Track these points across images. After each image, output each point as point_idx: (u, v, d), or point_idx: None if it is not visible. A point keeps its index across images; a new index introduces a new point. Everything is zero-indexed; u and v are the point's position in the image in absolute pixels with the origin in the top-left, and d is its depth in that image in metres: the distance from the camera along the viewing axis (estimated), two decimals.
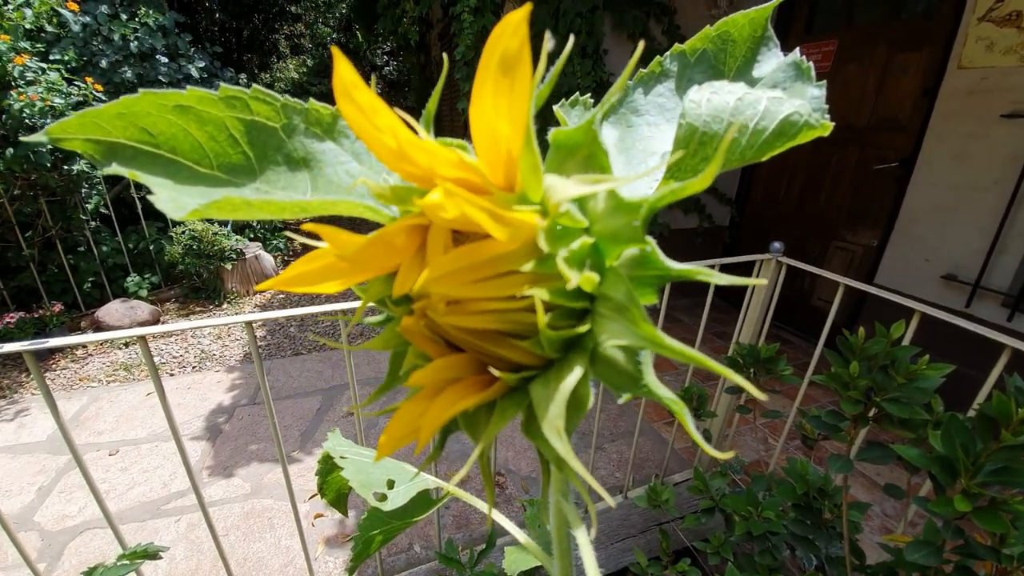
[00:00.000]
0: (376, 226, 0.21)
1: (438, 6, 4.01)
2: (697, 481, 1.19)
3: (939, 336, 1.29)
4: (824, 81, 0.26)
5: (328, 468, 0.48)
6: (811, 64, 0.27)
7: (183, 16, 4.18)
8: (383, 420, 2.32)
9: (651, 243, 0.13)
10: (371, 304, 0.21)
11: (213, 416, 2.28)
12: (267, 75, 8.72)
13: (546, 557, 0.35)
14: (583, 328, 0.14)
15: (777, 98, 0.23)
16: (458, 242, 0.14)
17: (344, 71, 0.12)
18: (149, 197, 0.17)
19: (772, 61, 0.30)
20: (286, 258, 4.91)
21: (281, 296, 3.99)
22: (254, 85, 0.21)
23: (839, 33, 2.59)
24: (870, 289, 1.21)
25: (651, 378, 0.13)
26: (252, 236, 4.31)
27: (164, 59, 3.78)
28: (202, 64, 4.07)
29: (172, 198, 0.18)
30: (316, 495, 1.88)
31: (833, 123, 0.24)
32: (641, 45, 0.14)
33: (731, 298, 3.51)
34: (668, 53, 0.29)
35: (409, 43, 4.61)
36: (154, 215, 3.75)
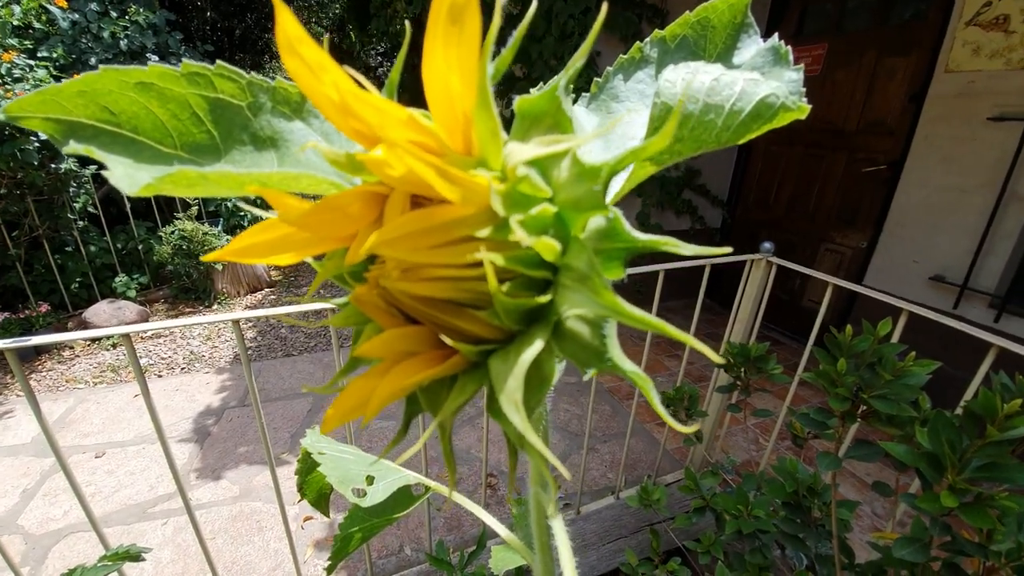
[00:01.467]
0: None
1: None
2: (688, 480, 1.19)
3: (926, 337, 1.30)
4: (801, 65, 0.25)
5: (308, 466, 0.47)
6: (789, 48, 0.26)
7: (174, 14, 4.15)
8: (374, 421, 2.31)
9: (615, 212, 0.13)
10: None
11: (201, 418, 2.25)
12: (259, 75, 8.71)
13: (529, 553, 0.34)
14: (543, 299, 0.13)
15: (754, 80, 0.23)
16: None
17: (287, 23, 0.11)
18: (104, 172, 0.17)
19: (752, 48, 0.30)
20: None
21: (272, 297, 3.96)
22: (219, 61, 0.20)
23: (829, 37, 2.61)
24: (859, 288, 1.22)
25: (616, 352, 0.13)
26: None
27: (155, 57, 3.75)
28: None
29: (127, 173, 0.17)
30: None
31: (811, 106, 0.24)
32: (605, 7, 0.14)
33: (722, 299, 3.53)
34: (648, 39, 0.29)
35: (401, 44, 4.60)
36: (143, 215, 3.71)
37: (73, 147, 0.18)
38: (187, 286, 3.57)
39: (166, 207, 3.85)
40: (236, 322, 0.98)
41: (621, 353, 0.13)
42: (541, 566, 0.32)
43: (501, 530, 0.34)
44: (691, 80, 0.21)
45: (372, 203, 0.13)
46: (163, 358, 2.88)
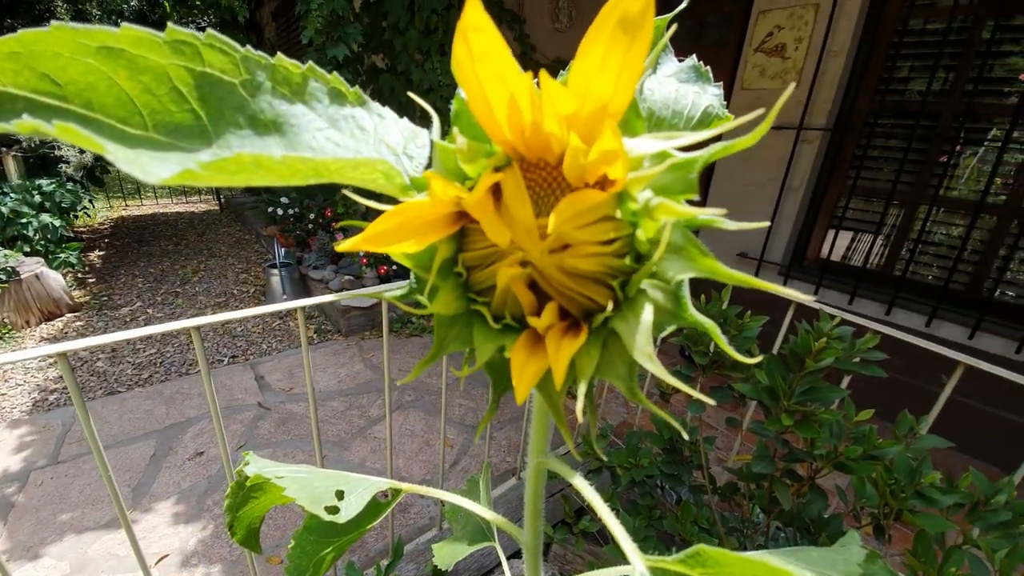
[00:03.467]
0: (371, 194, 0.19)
1: None
2: (586, 445, 1.31)
3: (740, 299, 1.62)
4: (721, 82, 0.31)
5: (241, 500, 0.41)
6: (708, 69, 0.32)
7: None
8: (267, 450, 2.03)
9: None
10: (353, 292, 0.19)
11: None
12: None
13: (514, 528, 0.36)
14: (653, 267, 0.15)
15: (698, 92, 0.28)
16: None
17: (470, 10, 0.11)
18: (107, 157, 0.14)
19: (670, 65, 0.35)
20: (79, 275, 3.92)
21: (79, 323, 3.18)
22: (209, 30, 0.18)
23: None
24: None
25: (692, 309, 0.15)
26: (28, 250, 3.33)
27: None
28: None
29: (133, 159, 0.14)
30: (165, 557, 1.57)
31: (732, 115, 0.30)
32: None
33: None
34: None
35: (236, 19, 4.05)
36: None
37: (30, 122, 0.14)
38: None
39: None
40: (63, 355, 0.78)
41: (694, 309, 0.15)
42: (531, 535, 0.34)
43: (485, 512, 0.35)
44: (660, 90, 0.25)
45: (490, 193, 0.14)
46: None
